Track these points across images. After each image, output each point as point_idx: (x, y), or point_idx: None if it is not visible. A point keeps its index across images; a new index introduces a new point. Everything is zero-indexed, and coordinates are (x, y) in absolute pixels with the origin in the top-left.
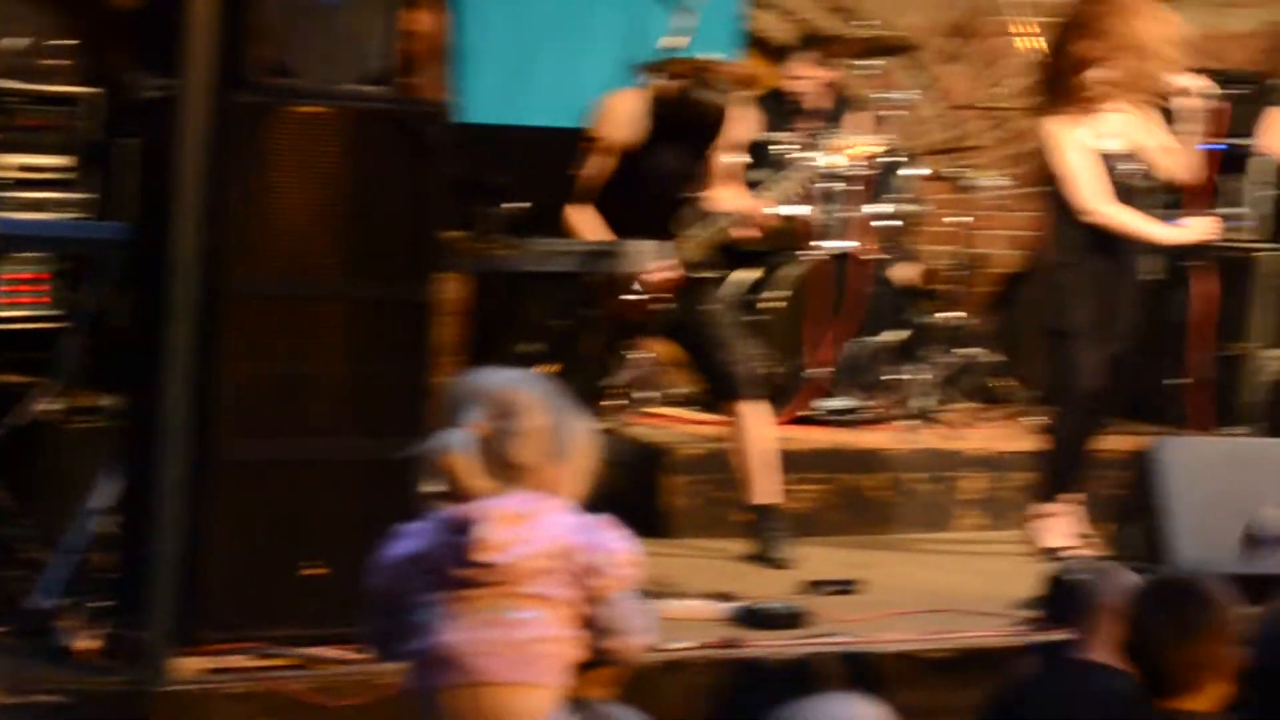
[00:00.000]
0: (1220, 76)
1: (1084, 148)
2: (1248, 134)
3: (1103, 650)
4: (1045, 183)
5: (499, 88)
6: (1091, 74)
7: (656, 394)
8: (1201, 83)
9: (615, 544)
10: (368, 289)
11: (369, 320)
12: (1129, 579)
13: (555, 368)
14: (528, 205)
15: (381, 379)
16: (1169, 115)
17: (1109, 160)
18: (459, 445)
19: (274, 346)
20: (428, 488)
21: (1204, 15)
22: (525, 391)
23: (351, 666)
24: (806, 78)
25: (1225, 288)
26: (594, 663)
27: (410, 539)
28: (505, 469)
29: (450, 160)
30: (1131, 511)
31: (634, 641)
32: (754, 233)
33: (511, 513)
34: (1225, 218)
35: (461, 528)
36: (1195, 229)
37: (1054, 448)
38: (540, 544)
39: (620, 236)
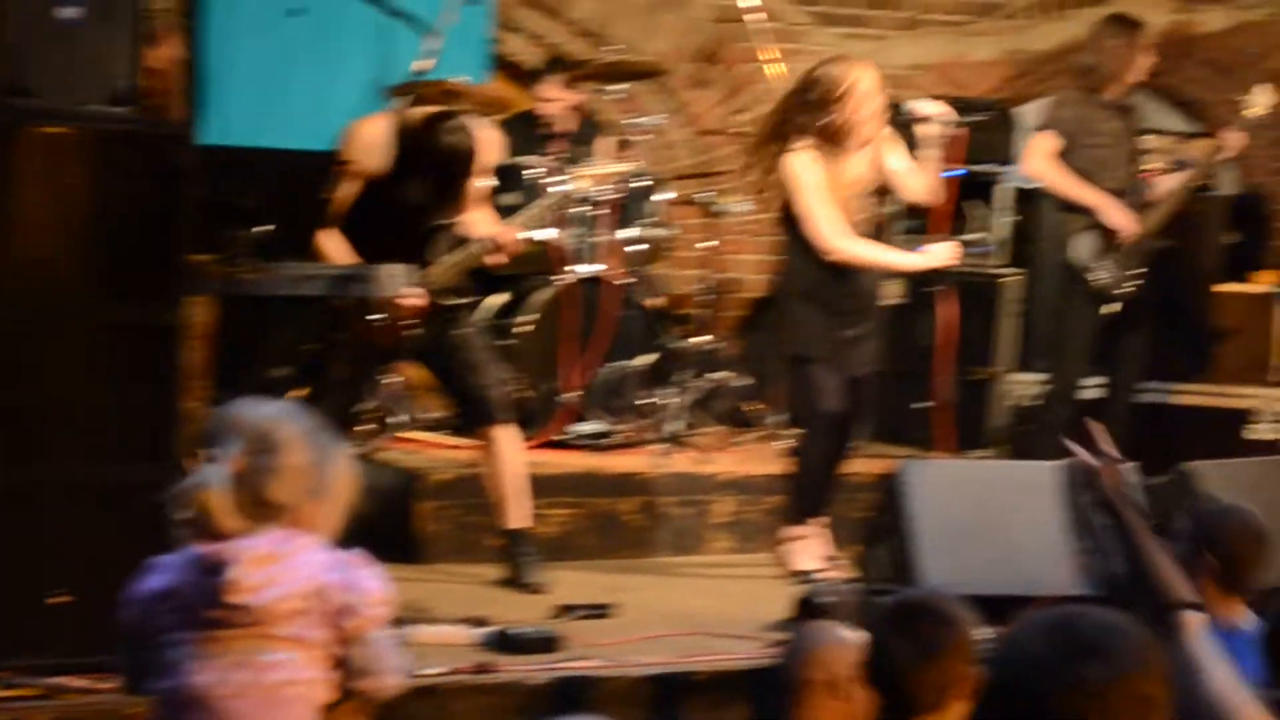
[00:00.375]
0: (962, 104)
1: (821, 184)
2: (990, 160)
3: None
4: (785, 211)
5: (249, 110)
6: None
7: (409, 418)
8: (943, 109)
9: (369, 583)
10: (114, 312)
11: (116, 344)
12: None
13: (304, 393)
14: (274, 228)
15: (130, 404)
16: (911, 141)
17: (846, 191)
18: (214, 481)
19: (17, 370)
20: (181, 520)
21: (946, 43)
22: (284, 426)
23: (98, 697)
24: (555, 100)
25: (971, 312)
26: (343, 698)
27: (161, 574)
28: (261, 507)
29: (198, 182)
30: (879, 534)
31: (387, 681)
32: (504, 257)
33: (264, 553)
34: (968, 243)
35: (213, 568)
36: (937, 254)
37: (801, 471)
38: (293, 585)
39: (371, 261)
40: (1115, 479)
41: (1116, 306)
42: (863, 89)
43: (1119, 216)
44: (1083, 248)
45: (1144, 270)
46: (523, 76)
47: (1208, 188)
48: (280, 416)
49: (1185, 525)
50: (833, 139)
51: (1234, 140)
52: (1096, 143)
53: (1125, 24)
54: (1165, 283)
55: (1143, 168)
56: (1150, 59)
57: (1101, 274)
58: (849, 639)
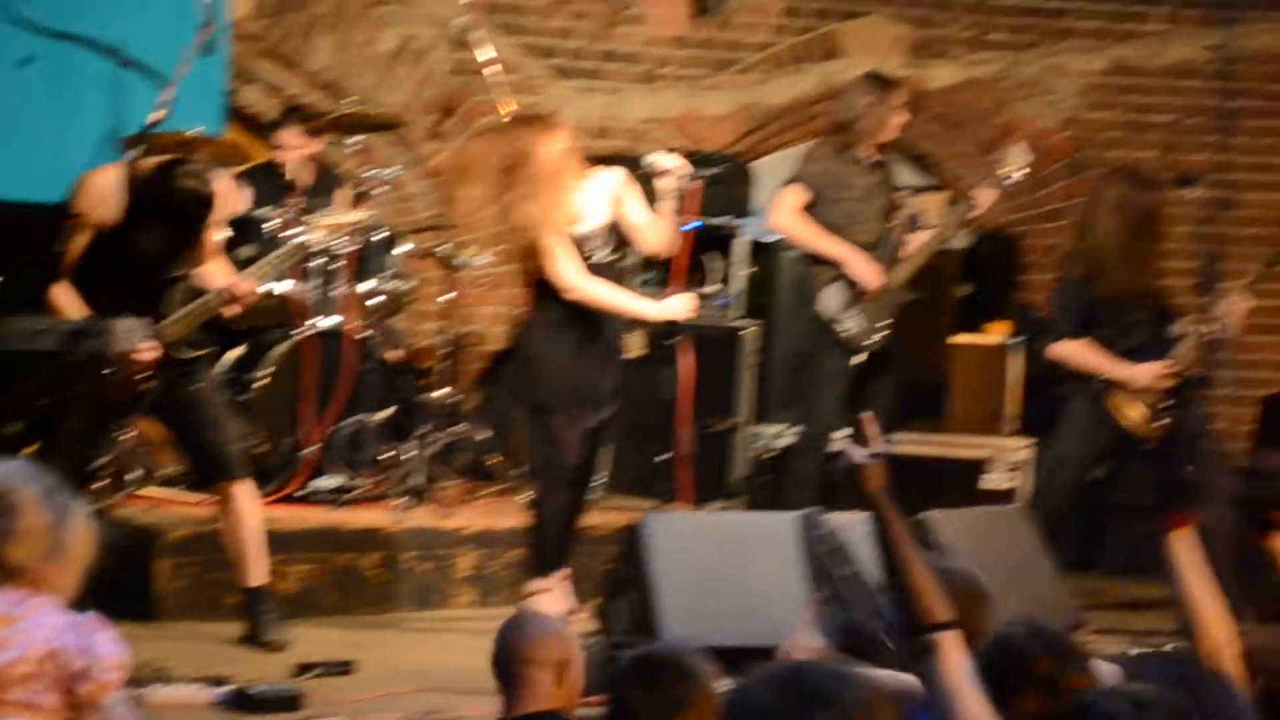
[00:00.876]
0: (697, 157)
1: (562, 229)
2: (726, 213)
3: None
4: (526, 260)
5: None
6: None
7: (145, 474)
8: (679, 163)
9: (105, 647)
10: None
11: None
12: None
13: (37, 449)
14: (3, 281)
15: None
16: (650, 194)
17: (586, 240)
18: None
19: None
20: None
21: (681, 97)
22: (21, 488)
23: None
24: (293, 149)
25: (710, 364)
26: None
27: None
28: None
29: None
30: (620, 587)
31: None
32: (239, 309)
33: None
34: (706, 295)
35: None
36: (675, 306)
37: (542, 524)
38: (27, 649)
39: (106, 314)
40: (880, 479)
41: (863, 357)
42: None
43: (864, 269)
44: (830, 299)
45: (890, 322)
46: (260, 128)
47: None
48: (16, 477)
49: None
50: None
51: (985, 199)
52: (847, 197)
53: (881, 82)
54: (903, 333)
55: (893, 223)
56: (904, 117)
57: (849, 325)
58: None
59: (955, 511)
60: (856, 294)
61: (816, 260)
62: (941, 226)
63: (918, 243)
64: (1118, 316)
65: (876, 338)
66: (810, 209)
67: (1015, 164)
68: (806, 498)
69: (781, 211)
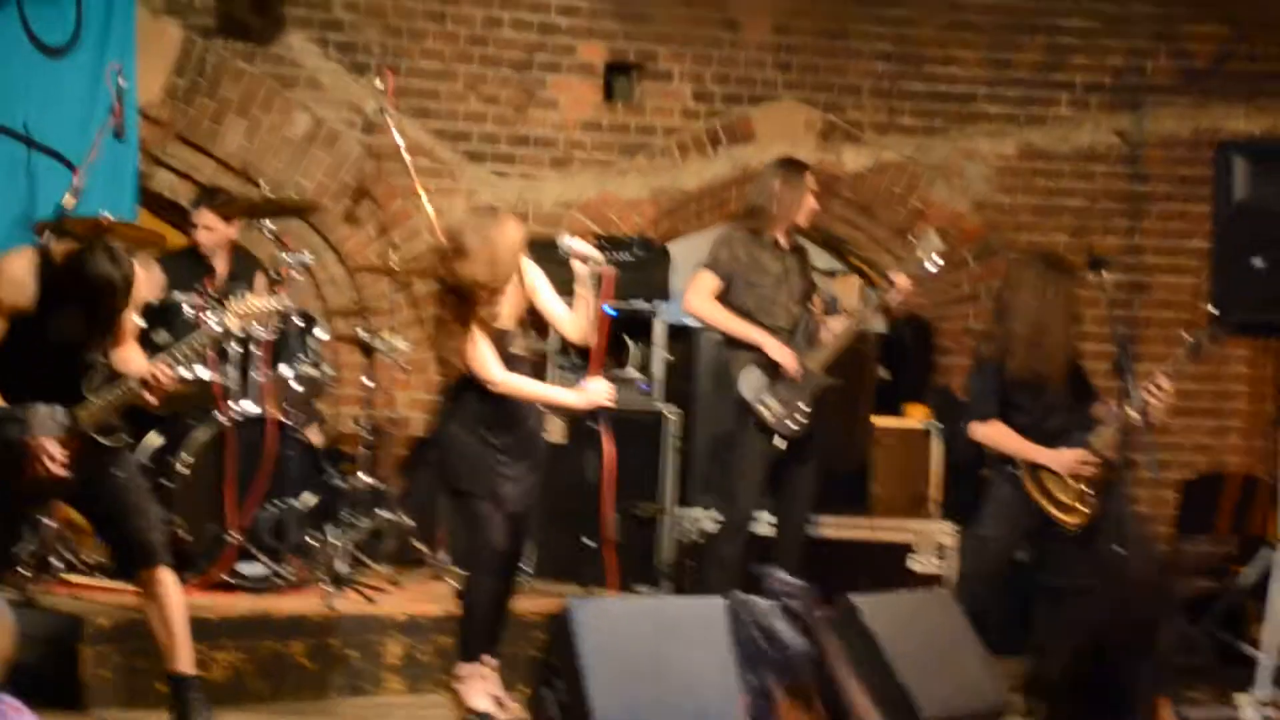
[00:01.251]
0: (613, 241)
1: (482, 324)
2: (644, 297)
3: None
4: (445, 350)
5: None
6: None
7: (68, 562)
8: (592, 248)
9: None
10: None
11: None
12: None
13: None
14: None
15: None
16: (566, 278)
17: (504, 334)
18: None
19: None
20: None
21: (594, 181)
22: None
23: None
24: (208, 232)
25: (633, 448)
26: None
27: None
28: None
29: None
30: (548, 673)
31: None
32: (155, 398)
33: None
34: (626, 380)
35: None
36: (595, 392)
37: (470, 609)
38: None
39: (21, 400)
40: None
41: (783, 442)
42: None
43: (780, 353)
44: (749, 383)
45: (811, 406)
46: (173, 212)
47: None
48: None
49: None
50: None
51: (901, 285)
52: (761, 282)
53: (793, 167)
54: (824, 418)
55: (811, 306)
56: (814, 202)
57: (768, 410)
58: None
59: (882, 595)
60: (775, 378)
61: (735, 344)
62: (858, 312)
63: (835, 327)
64: (1036, 399)
65: (797, 421)
66: (724, 294)
67: (928, 251)
68: (730, 582)
69: (695, 296)
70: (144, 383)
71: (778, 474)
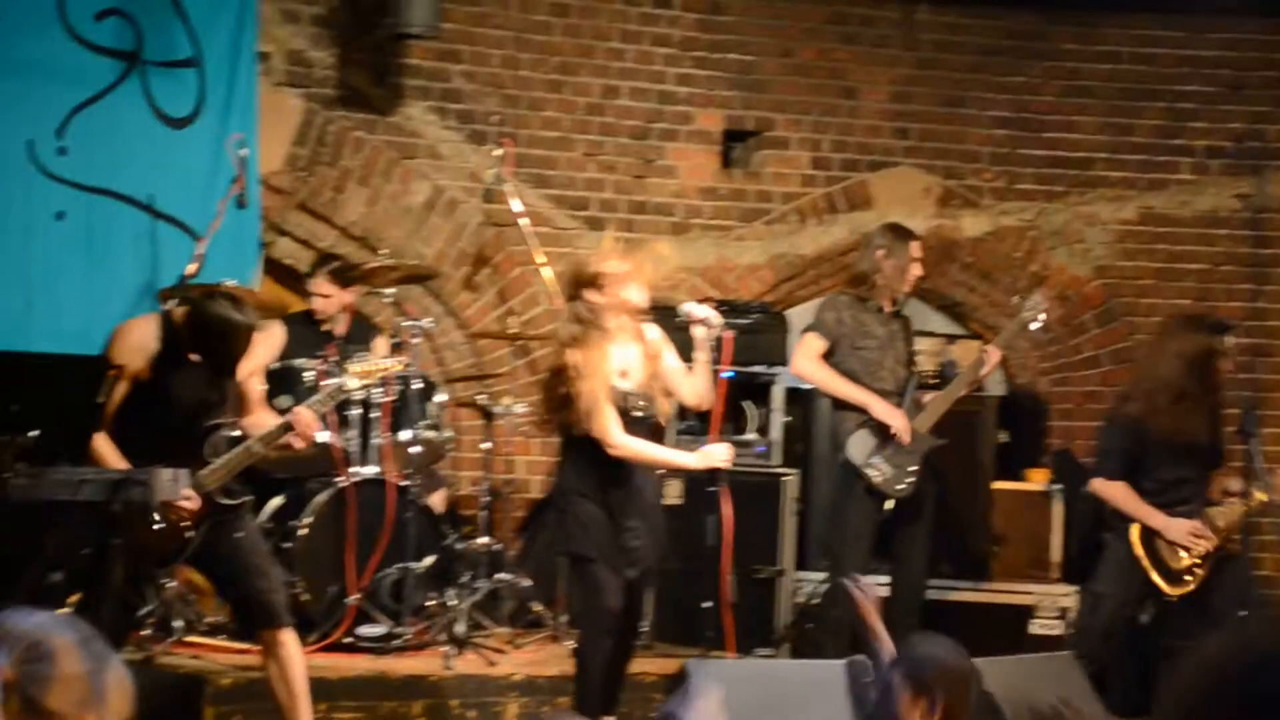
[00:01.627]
0: (731, 307)
1: (605, 384)
2: (762, 361)
3: None
4: (563, 413)
5: (17, 315)
6: (590, 302)
7: (190, 622)
8: (712, 313)
9: None
10: None
11: None
12: None
13: (79, 598)
14: (43, 433)
15: None
16: (685, 343)
17: (626, 396)
18: None
19: None
20: None
21: (713, 247)
22: (57, 635)
23: None
24: (328, 297)
25: (751, 511)
26: None
27: None
28: (35, 717)
29: None
30: None
31: None
32: (301, 442)
33: None
34: (745, 443)
35: None
36: (714, 455)
37: (585, 671)
38: None
39: (146, 464)
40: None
41: (892, 504)
42: (616, 272)
43: (889, 414)
44: (858, 446)
45: (919, 468)
46: (294, 279)
47: (979, 389)
48: (51, 625)
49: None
50: (592, 320)
51: (994, 356)
52: (866, 345)
53: (899, 233)
54: (943, 481)
55: (916, 369)
56: (920, 270)
57: (877, 472)
58: None
59: (1003, 659)
60: (883, 440)
61: (842, 407)
62: (962, 376)
63: (942, 392)
64: (1169, 463)
65: (906, 484)
66: (830, 357)
67: (1035, 311)
68: (841, 646)
69: (803, 358)
70: (288, 426)
71: (888, 538)
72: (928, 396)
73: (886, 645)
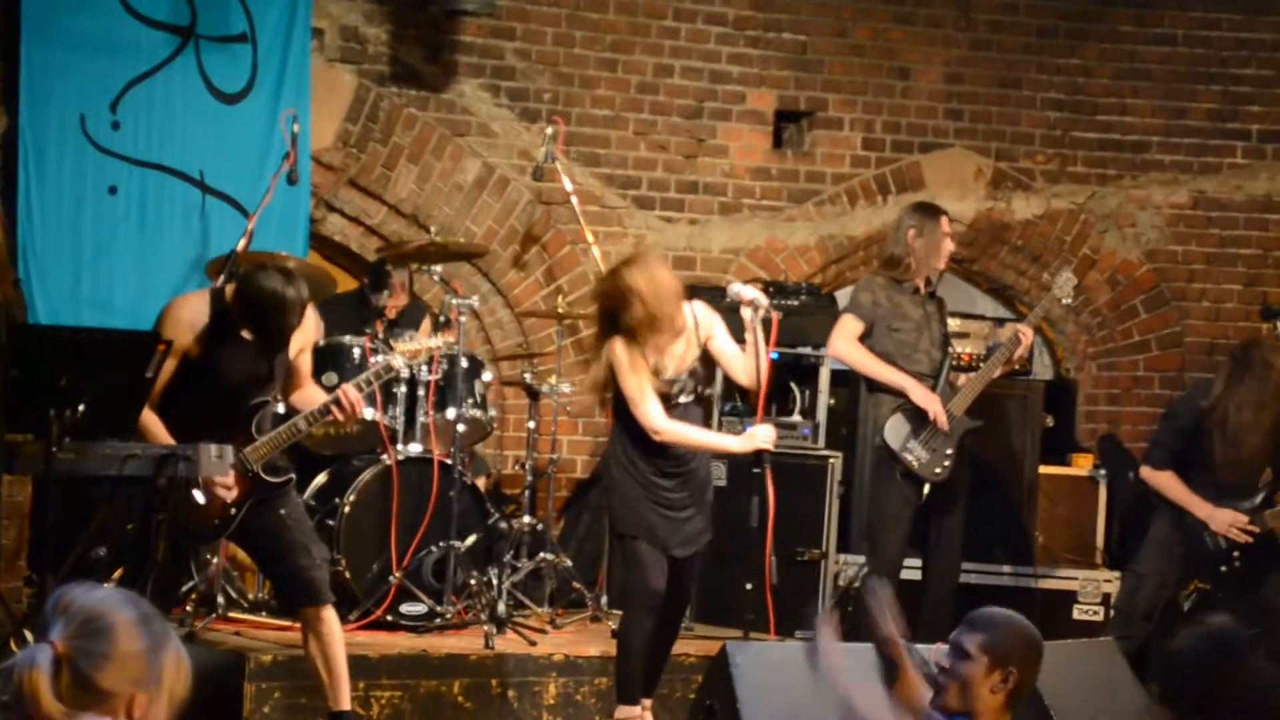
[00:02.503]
0: (779, 288)
1: (646, 370)
2: (809, 343)
3: None
4: (609, 395)
5: (68, 289)
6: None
7: (232, 599)
8: (759, 294)
9: None
10: None
11: None
12: None
13: (121, 572)
14: (92, 407)
15: None
16: (734, 324)
17: (670, 383)
18: (39, 664)
19: None
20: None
21: (761, 228)
22: (116, 612)
23: None
24: (382, 280)
25: (795, 493)
26: None
27: None
28: (86, 693)
29: (12, 361)
30: (707, 715)
31: None
32: (345, 418)
33: None
34: (790, 425)
35: None
36: (758, 436)
37: (627, 650)
38: None
39: (194, 439)
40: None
41: (929, 488)
42: (648, 289)
43: (926, 398)
44: (894, 430)
45: (955, 451)
46: (343, 255)
47: (1020, 371)
48: (111, 602)
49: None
50: (639, 332)
51: (1027, 336)
52: (901, 328)
53: (928, 210)
54: (989, 466)
55: (951, 351)
56: (952, 245)
57: (914, 457)
58: None
59: (1047, 643)
60: (919, 424)
61: (878, 389)
62: (996, 357)
63: (973, 372)
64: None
65: (943, 468)
66: (866, 339)
67: (1065, 289)
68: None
69: (840, 340)
70: (335, 402)
71: (925, 522)
72: (963, 379)
73: (900, 652)
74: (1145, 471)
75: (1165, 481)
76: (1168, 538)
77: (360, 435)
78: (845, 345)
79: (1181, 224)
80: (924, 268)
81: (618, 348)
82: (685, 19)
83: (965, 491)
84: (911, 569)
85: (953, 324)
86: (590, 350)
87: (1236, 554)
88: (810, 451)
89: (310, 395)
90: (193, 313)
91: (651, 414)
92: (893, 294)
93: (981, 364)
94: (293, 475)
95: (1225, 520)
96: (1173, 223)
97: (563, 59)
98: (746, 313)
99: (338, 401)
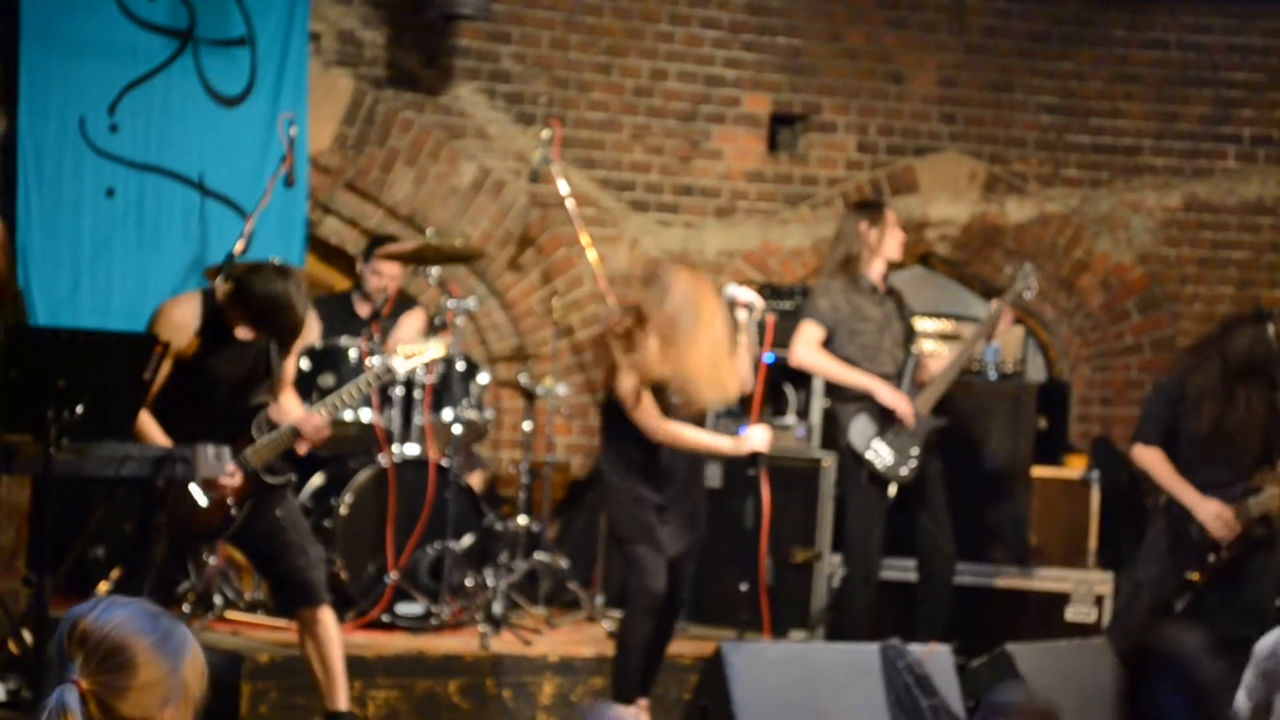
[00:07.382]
0: (773, 290)
1: (645, 373)
2: None
3: None
4: (607, 397)
5: (66, 291)
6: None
7: (229, 599)
8: (753, 296)
9: None
10: None
11: None
12: None
13: (118, 573)
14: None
15: None
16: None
17: (665, 385)
18: (69, 706)
19: None
20: None
21: (757, 231)
22: (136, 642)
23: None
24: (386, 276)
25: (789, 495)
26: None
27: None
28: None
29: (11, 362)
30: (701, 715)
31: None
32: (305, 447)
33: None
34: (784, 426)
35: None
36: (753, 438)
37: (624, 651)
38: None
39: (189, 440)
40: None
41: (895, 489)
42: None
43: (893, 399)
44: (858, 432)
45: (922, 450)
46: (339, 259)
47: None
48: (131, 626)
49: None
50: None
51: (1008, 314)
52: (863, 329)
53: (871, 205)
54: (982, 467)
55: (914, 349)
56: (901, 236)
57: (879, 457)
58: None
59: (1036, 645)
60: (885, 424)
61: (841, 394)
62: (955, 359)
63: (934, 368)
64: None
65: (909, 468)
66: (828, 344)
67: (1026, 281)
68: (860, 633)
69: (802, 347)
70: (295, 431)
71: (910, 523)
72: (942, 357)
73: None
74: (1136, 450)
75: (1154, 462)
76: (1158, 539)
77: (357, 437)
78: (807, 352)
79: (1174, 227)
80: (879, 260)
81: (618, 346)
82: (680, 23)
83: (938, 490)
84: (907, 570)
85: (945, 327)
86: (594, 350)
87: (1224, 542)
88: (804, 453)
89: (286, 404)
90: (184, 315)
91: (648, 416)
92: (851, 296)
93: (978, 370)
94: (292, 476)
95: (1211, 511)
96: (1165, 226)
97: (558, 62)
98: (740, 314)
99: (300, 429)
